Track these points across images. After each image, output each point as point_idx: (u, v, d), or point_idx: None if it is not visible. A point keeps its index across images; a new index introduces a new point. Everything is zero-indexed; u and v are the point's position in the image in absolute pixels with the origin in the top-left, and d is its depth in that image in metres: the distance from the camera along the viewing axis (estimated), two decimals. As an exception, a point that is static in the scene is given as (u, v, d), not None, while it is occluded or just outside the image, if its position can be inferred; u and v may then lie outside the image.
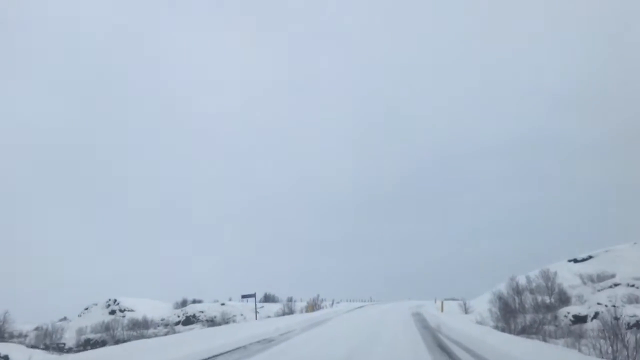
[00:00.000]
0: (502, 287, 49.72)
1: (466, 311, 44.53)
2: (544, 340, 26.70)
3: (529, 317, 35.64)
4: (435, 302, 60.80)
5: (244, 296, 28.94)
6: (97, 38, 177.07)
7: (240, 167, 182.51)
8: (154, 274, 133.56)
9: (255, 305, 30.58)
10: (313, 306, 63.53)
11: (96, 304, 77.01)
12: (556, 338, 30.66)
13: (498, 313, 41.10)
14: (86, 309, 77.37)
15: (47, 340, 71.40)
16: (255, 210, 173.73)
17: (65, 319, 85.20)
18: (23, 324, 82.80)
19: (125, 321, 65.70)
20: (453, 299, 77.73)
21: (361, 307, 44.92)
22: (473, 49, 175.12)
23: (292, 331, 17.39)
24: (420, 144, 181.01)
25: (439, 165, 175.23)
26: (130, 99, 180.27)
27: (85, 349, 64.77)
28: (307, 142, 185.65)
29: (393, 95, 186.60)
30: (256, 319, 32.79)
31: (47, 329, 75.73)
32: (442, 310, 35.36)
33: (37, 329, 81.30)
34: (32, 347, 73.54)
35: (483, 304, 47.80)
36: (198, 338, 14.18)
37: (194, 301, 77.99)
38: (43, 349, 70.11)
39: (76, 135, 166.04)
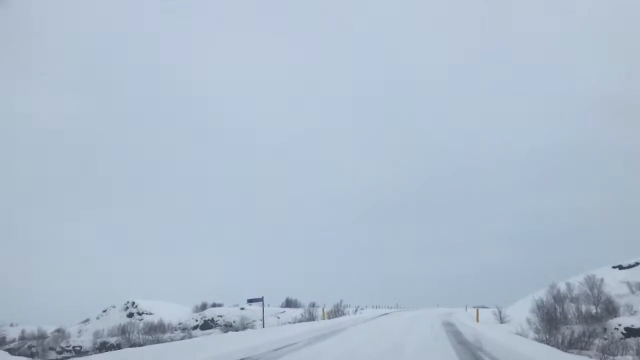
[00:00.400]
0: (541, 295, 44.93)
1: (502, 320, 39.85)
2: (604, 358, 22.18)
3: (576, 329, 30.88)
4: (466, 309, 56.02)
5: (250, 300, 25.27)
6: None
7: (274, 170, 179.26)
8: (176, 277, 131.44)
9: (263, 310, 26.87)
10: (336, 312, 59.53)
11: (114, 307, 74.46)
12: (613, 354, 26.09)
13: (539, 323, 36.38)
14: (104, 311, 74.97)
15: (64, 343, 69.14)
16: (284, 213, 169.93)
17: (87, 320, 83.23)
18: (47, 324, 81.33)
19: (141, 325, 62.76)
20: (483, 307, 72.69)
21: (386, 314, 40.68)
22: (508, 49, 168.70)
23: (291, 345, 13.50)
24: (448, 147, 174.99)
25: (469, 170, 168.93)
26: (146, 97, 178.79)
27: (101, 352, 62.13)
28: (322, 141, 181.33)
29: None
30: (263, 326, 28.97)
31: (64, 331, 73.66)
32: (477, 320, 30.82)
33: (58, 330, 79.51)
34: (51, 348, 71.46)
35: (520, 313, 43.05)
36: (161, 354, 10.45)
37: (214, 305, 74.77)
38: (59, 351, 67.80)
39: (93, 136, 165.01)
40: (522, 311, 44.54)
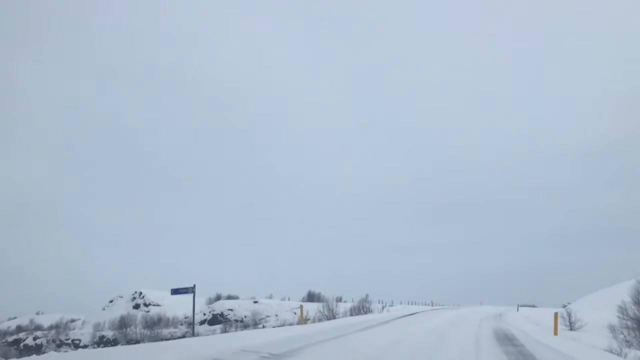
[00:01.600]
0: (619, 292, 33.27)
1: (571, 326, 28.49)
2: None
3: None
4: (518, 309, 44.46)
5: (175, 291, 15.60)
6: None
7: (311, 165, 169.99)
8: (201, 266, 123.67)
9: (194, 306, 16.92)
10: (360, 309, 49.83)
11: (121, 297, 66.29)
12: None
13: (627, 333, 25.05)
14: (111, 301, 66.90)
15: (63, 336, 61.44)
16: (323, 207, 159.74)
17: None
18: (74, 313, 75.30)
19: (139, 317, 54.06)
20: (532, 306, 60.76)
21: (413, 314, 29.95)
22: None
23: None
24: (497, 143, 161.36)
25: (521, 170, 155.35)
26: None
27: (99, 347, 54.23)
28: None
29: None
30: (193, 332, 18.85)
31: (67, 323, 66.25)
32: (556, 333, 19.59)
33: (72, 320, 72.80)
34: (53, 341, 63.99)
35: (592, 315, 31.65)
36: None
37: (229, 297, 65.63)
38: (59, 344, 60.09)
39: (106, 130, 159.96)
40: (593, 313, 33.07)
